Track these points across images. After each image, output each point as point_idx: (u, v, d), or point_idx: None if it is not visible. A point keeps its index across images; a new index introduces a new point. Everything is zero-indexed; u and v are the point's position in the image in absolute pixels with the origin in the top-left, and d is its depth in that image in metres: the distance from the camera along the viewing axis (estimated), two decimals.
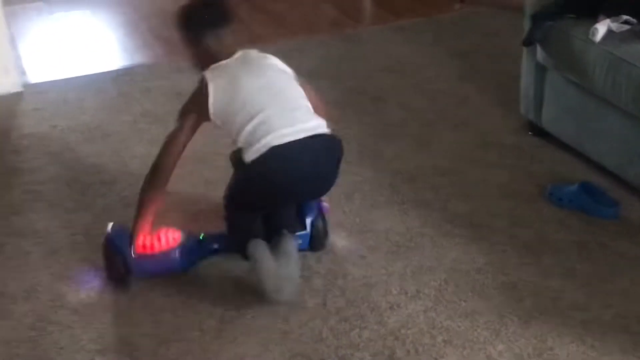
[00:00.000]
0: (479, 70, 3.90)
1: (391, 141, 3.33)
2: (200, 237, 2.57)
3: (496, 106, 3.55)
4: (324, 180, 2.53)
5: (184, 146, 2.48)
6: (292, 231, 2.52)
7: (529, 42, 3.11)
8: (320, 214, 2.64)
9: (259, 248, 2.40)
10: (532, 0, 3.13)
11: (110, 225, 2.51)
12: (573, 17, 2.98)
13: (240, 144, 2.39)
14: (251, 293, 2.48)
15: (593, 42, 2.82)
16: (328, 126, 2.48)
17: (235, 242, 2.53)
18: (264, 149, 2.32)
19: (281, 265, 2.37)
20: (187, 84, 3.80)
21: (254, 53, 2.58)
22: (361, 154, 3.24)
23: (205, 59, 2.51)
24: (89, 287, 2.53)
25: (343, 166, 3.10)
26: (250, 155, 2.35)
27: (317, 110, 2.51)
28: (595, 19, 2.89)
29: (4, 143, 3.41)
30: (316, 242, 2.63)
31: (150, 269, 2.51)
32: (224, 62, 2.48)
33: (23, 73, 4.01)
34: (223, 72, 2.46)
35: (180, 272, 2.51)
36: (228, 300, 2.47)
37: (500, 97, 3.61)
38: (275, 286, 2.35)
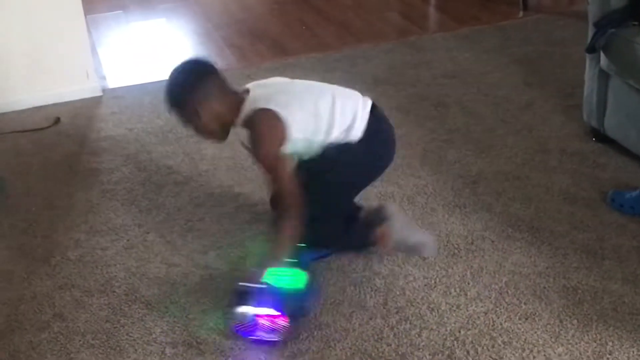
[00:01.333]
0: (542, 77, 3.85)
1: (453, 146, 3.32)
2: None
3: (559, 112, 3.51)
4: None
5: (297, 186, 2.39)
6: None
7: (592, 49, 3.07)
8: None
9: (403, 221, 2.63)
10: (595, 8, 3.08)
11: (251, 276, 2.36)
12: (636, 24, 2.93)
13: (336, 136, 2.45)
14: (315, 292, 2.49)
15: None
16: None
17: (352, 238, 2.64)
18: (365, 121, 2.49)
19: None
20: None
21: (262, 81, 2.61)
22: (424, 158, 3.24)
23: (229, 110, 2.43)
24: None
25: (406, 169, 3.15)
26: (356, 133, 2.47)
27: None
28: None
29: (83, 145, 3.50)
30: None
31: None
32: (254, 97, 2.44)
33: (102, 78, 4.11)
34: (272, 100, 2.39)
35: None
36: None
37: (563, 103, 3.57)
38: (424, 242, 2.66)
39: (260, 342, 2.30)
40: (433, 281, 2.54)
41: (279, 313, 2.27)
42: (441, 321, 2.36)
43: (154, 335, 2.36)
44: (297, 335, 2.31)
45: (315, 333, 2.34)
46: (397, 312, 2.41)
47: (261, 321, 2.28)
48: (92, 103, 3.89)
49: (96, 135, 3.57)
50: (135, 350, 2.32)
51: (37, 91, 3.85)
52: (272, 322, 2.28)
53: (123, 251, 2.76)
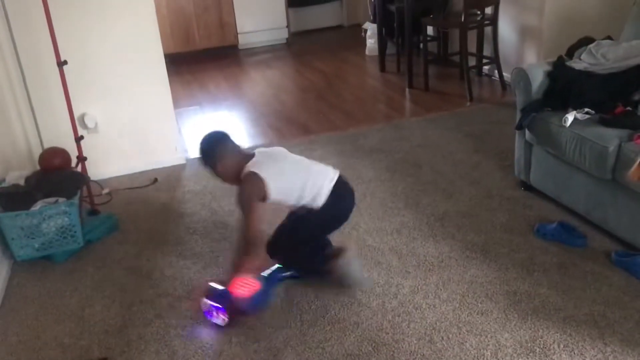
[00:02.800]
0: (485, 146, 3.86)
1: (426, 194, 3.31)
2: (275, 268, 2.54)
3: (498, 170, 3.50)
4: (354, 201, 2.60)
5: (261, 222, 2.35)
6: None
7: (519, 127, 3.08)
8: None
9: (350, 257, 2.49)
10: (521, 99, 3.10)
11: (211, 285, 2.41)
12: (549, 109, 2.95)
13: (304, 203, 2.40)
14: (332, 298, 2.48)
15: (564, 127, 2.78)
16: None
17: (311, 266, 2.54)
18: (328, 191, 2.42)
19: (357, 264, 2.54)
20: None
21: (268, 149, 2.56)
22: (406, 202, 3.23)
23: (237, 167, 2.42)
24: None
25: (394, 210, 3.14)
26: (320, 200, 2.40)
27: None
28: (565, 111, 2.85)
29: (173, 197, 3.52)
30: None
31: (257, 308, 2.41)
32: (254, 161, 2.41)
33: (185, 151, 4.14)
34: (262, 167, 2.37)
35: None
36: (315, 301, 2.48)
37: (501, 163, 3.56)
38: (361, 279, 2.53)
39: (212, 324, 2.36)
40: (416, 288, 2.52)
41: (223, 310, 2.32)
42: (423, 316, 2.35)
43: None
44: (234, 325, 2.34)
45: (335, 326, 2.33)
46: (392, 310, 2.39)
47: (214, 311, 2.34)
48: (179, 168, 3.92)
49: (182, 190, 3.59)
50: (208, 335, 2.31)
51: (142, 160, 3.88)
52: (218, 314, 2.33)
53: (201, 270, 2.76)
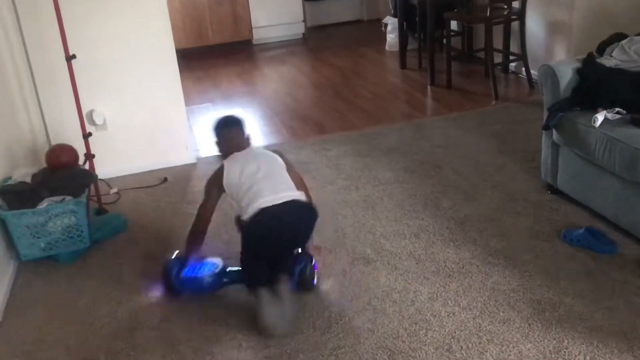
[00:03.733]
0: (510, 147, 3.84)
1: (447, 196, 3.31)
2: (227, 270, 2.59)
3: (524, 172, 3.49)
4: (300, 233, 2.47)
5: (212, 211, 2.57)
6: (287, 275, 2.43)
7: (546, 127, 3.07)
8: (309, 264, 2.52)
9: (264, 295, 2.34)
10: (548, 97, 3.09)
11: (175, 253, 2.63)
12: (578, 109, 2.93)
13: (241, 210, 2.43)
14: (347, 304, 2.48)
15: (594, 127, 2.76)
16: (307, 199, 2.54)
17: (246, 282, 2.48)
18: (255, 210, 2.35)
19: (280, 305, 2.33)
20: (306, 156, 3.92)
21: (259, 148, 2.78)
22: (425, 205, 3.23)
23: (228, 151, 2.60)
24: (152, 295, 2.64)
25: (412, 213, 3.13)
26: (247, 216, 2.38)
27: (299, 188, 2.51)
28: (595, 110, 2.83)
29: (183, 197, 3.55)
30: (303, 285, 2.50)
31: (190, 289, 2.58)
32: (237, 153, 2.57)
33: (196, 150, 4.17)
34: (234, 160, 2.53)
35: (209, 293, 2.58)
36: (329, 307, 2.49)
37: (526, 165, 3.55)
38: (272, 324, 2.31)
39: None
40: (435, 295, 2.52)
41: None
42: (441, 324, 2.35)
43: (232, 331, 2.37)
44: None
45: (349, 332, 2.33)
46: (409, 318, 2.39)
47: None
48: (189, 167, 3.95)
49: (192, 190, 3.61)
50: (218, 339, 2.33)
51: (151, 159, 3.91)
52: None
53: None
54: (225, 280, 2.58)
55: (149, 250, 3.00)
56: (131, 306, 2.59)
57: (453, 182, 3.46)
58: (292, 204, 2.41)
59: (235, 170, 2.49)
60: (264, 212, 2.36)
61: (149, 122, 3.83)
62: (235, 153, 2.57)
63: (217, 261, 2.60)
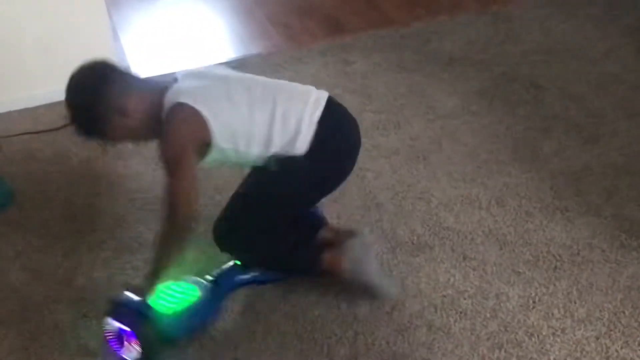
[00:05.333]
0: None
1: (551, 136, 3.30)
2: (228, 266, 2.62)
3: None
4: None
5: (198, 187, 2.39)
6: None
7: None
8: None
9: (359, 247, 2.55)
10: None
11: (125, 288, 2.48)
12: None
13: (276, 149, 2.40)
14: (383, 318, 2.50)
15: None
16: None
17: (291, 263, 2.61)
18: (312, 132, 2.40)
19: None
20: (307, 74, 3.93)
21: (196, 70, 2.62)
22: (515, 151, 3.23)
23: (150, 108, 2.40)
24: None
25: (493, 165, 3.14)
26: (301, 146, 2.39)
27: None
28: None
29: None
30: None
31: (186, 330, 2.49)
32: (177, 89, 2.41)
33: (127, 68, 4.14)
34: (197, 96, 2.38)
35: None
36: (353, 325, 2.50)
37: None
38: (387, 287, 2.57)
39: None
40: (531, 301, 2.53)
41: (134, 336, 2.33)
42: (543, 349, 2.35)
43: None
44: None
45: None
46: (488, 339, 2.40)
47: (124, 338, 2.36)
48: None
49: None
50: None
51: (51, 85, 3.86)
52: (129, 341, 2.35)
53: (124, 266, 2.80)
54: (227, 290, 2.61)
55: (51, 237, 3.02)
56: (23, 330, 2.61)
57: (562, 113, 3.46)
58: (333, 105, 2.53)
59: (222, 101, 2.40)
60: (326, 121, 2.44)
61: (45, 24, 3.81)
62: (172, 91, 2.40)
63: (189, 278, 2.55)
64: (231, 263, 2.63)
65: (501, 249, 2.75)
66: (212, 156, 2.37)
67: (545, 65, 3.82)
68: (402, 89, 3.73)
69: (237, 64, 4.09)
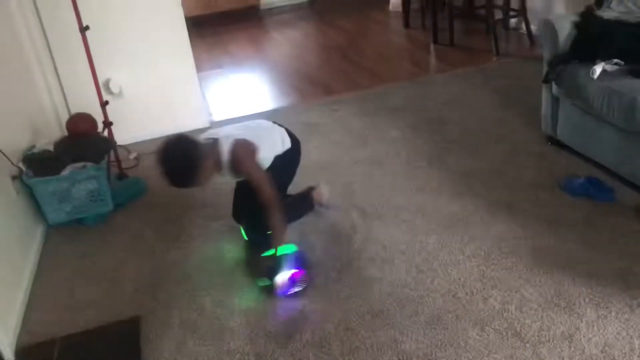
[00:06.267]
0: (512, 101, 3.81)
1: (452, 152, 3.30)
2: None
3: (525, 125, 3.46)
4: None
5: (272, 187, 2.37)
6: None
7: (546, 80, 3.03)
8: None
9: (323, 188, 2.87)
10: (548, 52, 3.04)
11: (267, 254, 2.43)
12: (577, 62, 2.88)
13: (281, 149, 2.53)
14: (356, 255, 2.51)
15: (592, 79, 2.72)
16: None
17: (303, 207, 2.77)
18: (289, 142, 2.58)
19: None
20: (315, 117, 3.92)
21: (219, 129, 2.53)
22: (430, 160, 3.23)
23: (215, 159, 2.32)
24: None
25: (419, 169, 3.14)
26: (287, 145, 2.56)
27: None
28: (593, 63, 2.79)
29: None
30: None
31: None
32: (222, 139, 2.35)
33: (209, 114, 4.17)
34: (236, 135, 2.39)
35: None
36: (339, 259, 2.51)
37: (527, 118, 3.51)
38: None
39: (294, 295, 2.31)
40: (440, 245, 2.53)
41: (298, 270, 2.32)
42: (447, 272, 2.37)
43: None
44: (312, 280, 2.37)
45: (359, 282, 2.34)
46: (416, 267, 2.41)
47: (293, 279, 2.31)
48: (203, 131, 3.89)
49: None
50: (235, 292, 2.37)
51: (167, 124, 3.91)
52: (298, 277, 2.32)
53: (228, 231, 2.80)
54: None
55: (169, 212, 3.03)
56: (154, 264, 2.63)
57: (458, 138, 3.44)
58: (291, 133, 2.68)
59: (251, 132, 2.46)
60: (292, 138, 2.62)
61: (162, 88, 3.83)
62: (221, 142, 2.33)
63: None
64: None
65: (423, 216, 2.75)
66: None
67: (448, 110, 3.81)
68: (366, 125, 3.73)
69: (272, 112, 4.12)
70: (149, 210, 3.07)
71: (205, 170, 2.28)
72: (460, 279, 2.31)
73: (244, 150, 2.36)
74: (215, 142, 2.36)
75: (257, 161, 2.38)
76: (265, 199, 2.33)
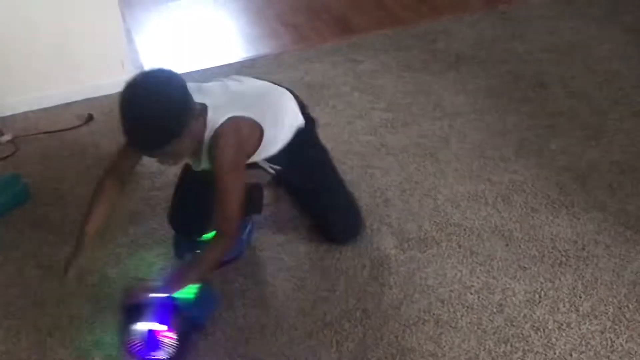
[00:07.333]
0: None
1: (557, 133, 3.29)
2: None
3: None
4: None
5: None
6: None
7: None
8: None
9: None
10: None
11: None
12: None
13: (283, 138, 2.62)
14: (392, 311, 2.50)
15: None
16: None
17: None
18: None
19: None
20: (317, 73, 3.92)
21: (210, 84, 2.59)
22: (521, 148, 3.22)
23: (200, 128, 2.38)
24: None
25: (499, 162, 3.15)
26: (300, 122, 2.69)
27: None
28: None
29: (120, 141, 3.54)
30: None
31: None
32: (220, 104, 2.43)
33: (140, 68, 4.14)
34: (249, 109, 2.48)
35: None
36: (362, 321, 2.50)
37: None
38: None
39: None
40: (537, 295, 2.52)
41: (167, 328, 2.32)
42: (548, 343, 2.34)
43: None
44: (188, 352, 2.37)
45: (399, 357, 2.34)
46: (494, 333, 2.39)
47: (157, 337, 2.33)
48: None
49: None
50: None
51: (66, 85, 3.90)
52: (163, 337, 2.32)
53: (168, 267, 2.78)
54: None
55: (66, 233, 3.00)
56: (39, 330, 2.61)
57: (567, 110, 3.44)
58: None
59: (264, 109, 2.55)
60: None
61: (60, 27, 3.81)
62: (214, 108, 2.42)
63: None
64: None
65: (507, 244, 2.74)
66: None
67: (550, 63, 3.80)
68: (409, 88, 3.73)
69: (248, 65, 4.11)
70: (34, 231, 3.05)
71: (182, 142, 2.30)
72: (571, 355, 2.29)
73: (236, 141, 2.41)
74: (202, 110, 2.40)
75: (243, 163, 2.46)
76: (226, 221, 2.38)
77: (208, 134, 2.39)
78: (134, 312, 2.35)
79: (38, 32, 3.80)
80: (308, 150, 2.75)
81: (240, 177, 2.42)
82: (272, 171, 2.71)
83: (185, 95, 2.29)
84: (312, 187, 2.75)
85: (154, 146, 2.28)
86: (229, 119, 2.39)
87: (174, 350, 2.34)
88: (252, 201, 2.85)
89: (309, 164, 2.74)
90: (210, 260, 2.42)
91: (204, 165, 2.47)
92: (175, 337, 2.33)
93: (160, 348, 2.34)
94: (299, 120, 2.68)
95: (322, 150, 2.82)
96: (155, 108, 2.20)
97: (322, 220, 2.82)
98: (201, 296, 2.41)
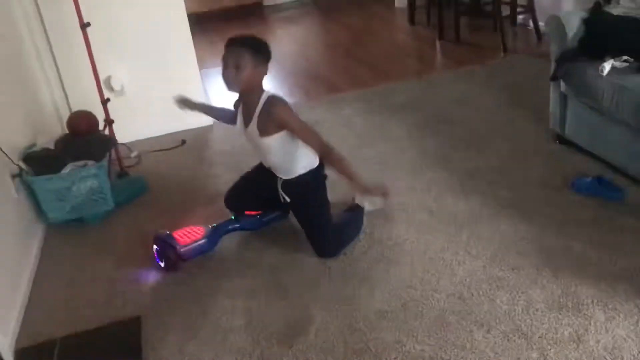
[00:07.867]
0: (519, 99, 3.80)
1: (458, 150, 3.29)
2: (232, 217, 2.69)
3: (533, 123, 3.45)
4: None
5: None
6: None
7: (554, 78, 3.02)
8: None
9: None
10: (556, 48, 3.03)
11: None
12: (585, 59, 2.87)
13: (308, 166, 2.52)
14: (361, 256, 2.49)
15: (601, 76, 2.71)
16: None
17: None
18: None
19: None
20: (319, 115, 3.91)
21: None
22: (436, 159, 3.22)
23: (260, 83, 2.35)
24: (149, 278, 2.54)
25: (424, 167, 3.14)
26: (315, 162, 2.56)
27: None
28: (602, 60, 2.77)
29: (202, 158, 3.58)
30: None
31: (193, 254, 2.53)
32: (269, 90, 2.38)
33: None
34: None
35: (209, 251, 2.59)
36: (343, 259, 2.50)
37: (535, 117, 3.50)
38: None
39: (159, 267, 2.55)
40: (446, 245, 2.52)
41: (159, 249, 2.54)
42: (452, 272, 2.36)
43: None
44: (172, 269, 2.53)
45: (364, 282, 2.33)
46: (421, 267, 2.40)
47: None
48: (206, 129, 3.96)
49: (210, 152, 3.64)
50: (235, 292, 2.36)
51: (169, 122, 3.92)
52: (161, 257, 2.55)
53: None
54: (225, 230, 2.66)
55: (169, 211, 3.02)
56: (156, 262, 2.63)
57: (464, 137, 3.43)
58: None
59: None
60: None
61: (165, 86, 3.80)
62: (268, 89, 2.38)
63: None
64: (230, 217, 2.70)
65: (429, 215, 2.74)
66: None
67: (454, 109, 3.80)
68: (371, 124, 3.73)
69: None
70: (150, 209, 3.07)
71: (255, 72, 2.25)
72: (466, 280, 2.30)
73: (289, 109, 2.32)
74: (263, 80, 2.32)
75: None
76: (319, 147, 2.34)
77: (263, 97, 2.33)
78: (157, 238, 2.53)
79: (151, 90, 3.82)
80: (314, 192, 2.52)
81: (302, 121, 2.33)
82: (282, 199, 2.55)
83: (267, 52, 2.29)
84: (307, 221, 2.54)
85: (250, 46, 2.22)
86: (280, 97, 2.35)
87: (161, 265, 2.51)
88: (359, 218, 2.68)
89: (309, 205, 2.53)
90: (342, 166, 2.36)
91: (252, 127, 2.38)
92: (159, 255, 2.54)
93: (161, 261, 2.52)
94: (316, 161, 2.52)
95: (322, 197, 2.53)
96: (256, 41, 2.27)
97: (312, 241, 2.53)
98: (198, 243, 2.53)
